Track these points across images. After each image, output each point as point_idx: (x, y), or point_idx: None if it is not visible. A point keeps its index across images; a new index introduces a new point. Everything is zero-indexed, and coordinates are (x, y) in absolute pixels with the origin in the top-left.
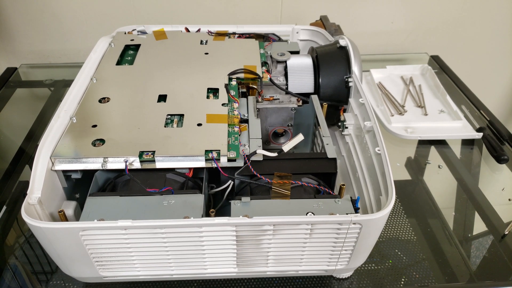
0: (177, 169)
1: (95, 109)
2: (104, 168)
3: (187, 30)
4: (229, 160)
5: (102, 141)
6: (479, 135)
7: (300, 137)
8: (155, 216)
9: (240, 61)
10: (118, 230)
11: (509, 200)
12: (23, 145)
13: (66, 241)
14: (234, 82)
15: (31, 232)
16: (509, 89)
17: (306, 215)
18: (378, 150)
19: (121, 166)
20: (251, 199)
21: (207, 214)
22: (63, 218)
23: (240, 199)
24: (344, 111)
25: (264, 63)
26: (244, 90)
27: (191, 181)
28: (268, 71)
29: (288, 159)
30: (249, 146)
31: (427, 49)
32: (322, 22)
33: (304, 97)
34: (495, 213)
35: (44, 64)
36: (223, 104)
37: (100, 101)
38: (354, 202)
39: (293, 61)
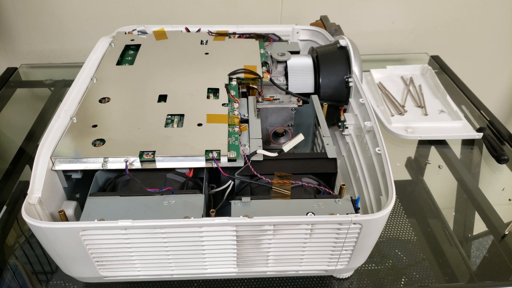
0: (177, 169)
1: (95, 109)
2: (104, 168)
3: (187, 30)
4: (229, 160)
5: (102, 141)
6: (479, 135)
7: (300, 137)
8: (155, 216)
9: (240, 61)
10: (118, 230)
11: (509, 200)
12: (23, 145)
13: (66, 241)
14: (234, 82)
15: (31, 232)
16: (509, 89)
17: (306, 215)
18: (378, 150)
19: (121, 166)
20: (251, 199)
21: (207, 214)
22: (63, 218)
23: (240, 199)
24: (344, 111)
25: (264, 63)
26: (244, 90)
27: (191, 181)
28: (268, 71)
29: (288, 159)
30: (249, 146)
31: (427, 49)
32: (322, 22)
33: (304, 97)
34: (495, 213)
35: (44, 64)
36: (223, 104)
37: (100, 101)
38: (354, 202)
39: (293, 61)
